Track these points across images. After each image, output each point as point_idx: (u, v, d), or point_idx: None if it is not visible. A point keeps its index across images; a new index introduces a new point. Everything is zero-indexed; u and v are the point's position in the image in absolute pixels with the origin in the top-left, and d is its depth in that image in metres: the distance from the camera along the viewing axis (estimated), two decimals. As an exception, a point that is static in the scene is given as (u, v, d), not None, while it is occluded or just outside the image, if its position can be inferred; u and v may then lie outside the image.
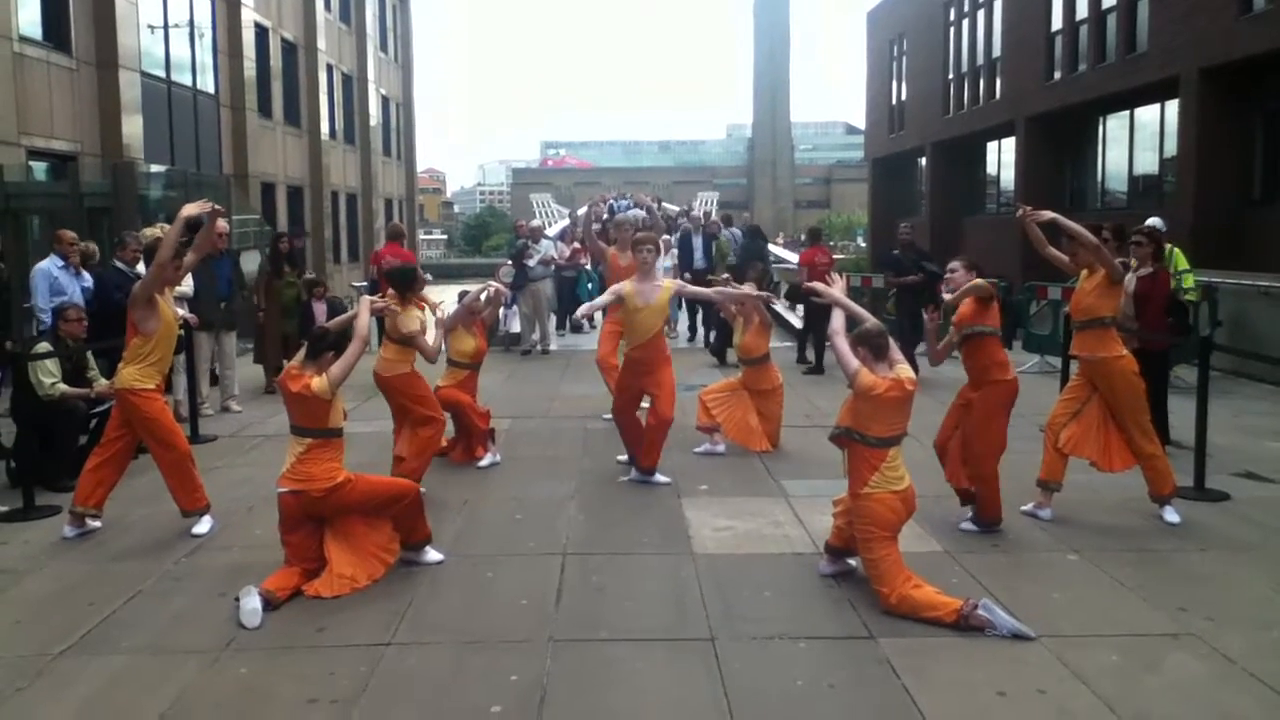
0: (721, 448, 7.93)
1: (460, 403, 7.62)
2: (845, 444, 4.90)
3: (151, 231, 8.64)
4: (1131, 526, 6.06)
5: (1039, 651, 4.32)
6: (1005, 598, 4.84)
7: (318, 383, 4.95)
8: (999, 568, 5.34)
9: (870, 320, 5.08)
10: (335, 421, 5.07)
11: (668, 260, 15.21)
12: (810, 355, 12.62)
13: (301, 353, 5.16)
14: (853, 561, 5.18)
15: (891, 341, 4.92)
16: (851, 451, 4.86)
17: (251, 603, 4.67)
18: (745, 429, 7.94)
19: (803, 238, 13.78)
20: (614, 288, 7.11)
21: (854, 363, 4.79)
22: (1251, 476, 7.16)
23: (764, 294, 8.25)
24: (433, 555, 5.42)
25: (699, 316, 15.10)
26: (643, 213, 20.51)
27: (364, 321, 5.52)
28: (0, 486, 7.02)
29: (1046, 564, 5.44)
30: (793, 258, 19.20)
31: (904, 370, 4.81)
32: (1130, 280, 7.55)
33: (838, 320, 5.14)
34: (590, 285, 16.96)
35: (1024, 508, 6.23)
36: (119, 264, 8.30)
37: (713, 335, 13.43)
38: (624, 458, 7.43)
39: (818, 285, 5.52)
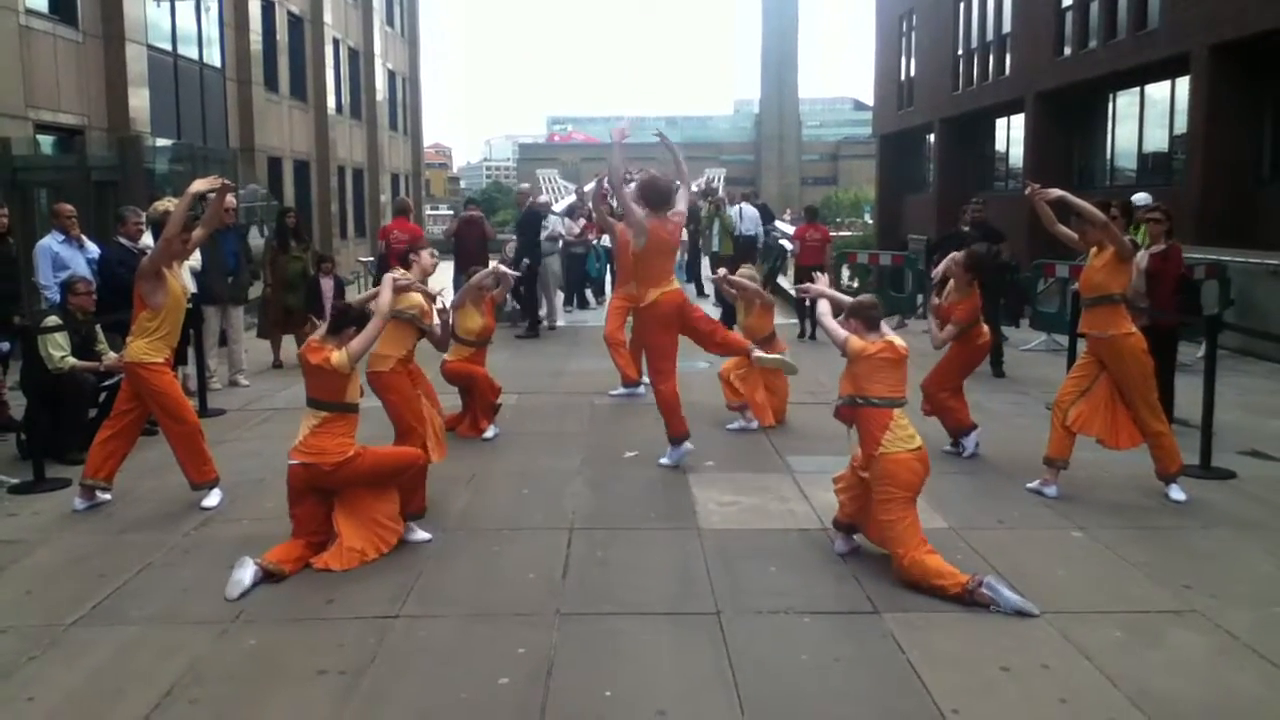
0: (755, 424, 7.93)
1: (474, 374, 7.62)
2: (850, 413, 4.97)
3: (161, 205, 8.64)
4: (1137, 504, 6.07)
5: (1043, 627, 4.34)
6: (1010, 574, 4.87)
7: (337, 357, 4.99)
8: (1004, 544, 5.36)
9: (863, 296, 5.27)
10: (352, 396, 5.11)
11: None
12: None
13: (324, 327, 5.20)
14: (857, 538, 5.21)
15: (882, 314, 5.09)
16: (859, 418, 4.92)
17: (239, 574, 4.70)
18: (753, 404, 7.96)
19: (787, 214, 14.09)
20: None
21: (842, 333, 4.98)
22: (1257, 455, 7.17)
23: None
24: (420, 534, 5.39)
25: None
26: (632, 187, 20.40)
27: (385, 299, 5.54)
28: (11, 459, 7.06)
29: (1051, 541, 5.46)
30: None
31: (895, 337, 4.95)
32: (1142, 257, 7.53)
33: (824, 305, 5.35)
34: (599, 264, 16.95)
35: (1030, 485, 6.25)
36: (121, 240, 8.30)
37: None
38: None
39: (807, 286, 5.76)
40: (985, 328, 7.23)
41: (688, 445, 6.86)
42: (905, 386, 4.95)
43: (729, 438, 7.71)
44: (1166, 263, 7.58)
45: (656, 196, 6.65)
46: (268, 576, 4.79)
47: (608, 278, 16.65)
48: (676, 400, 6.79)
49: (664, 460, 6.86)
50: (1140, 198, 10.78)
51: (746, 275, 8.41)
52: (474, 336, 7.75)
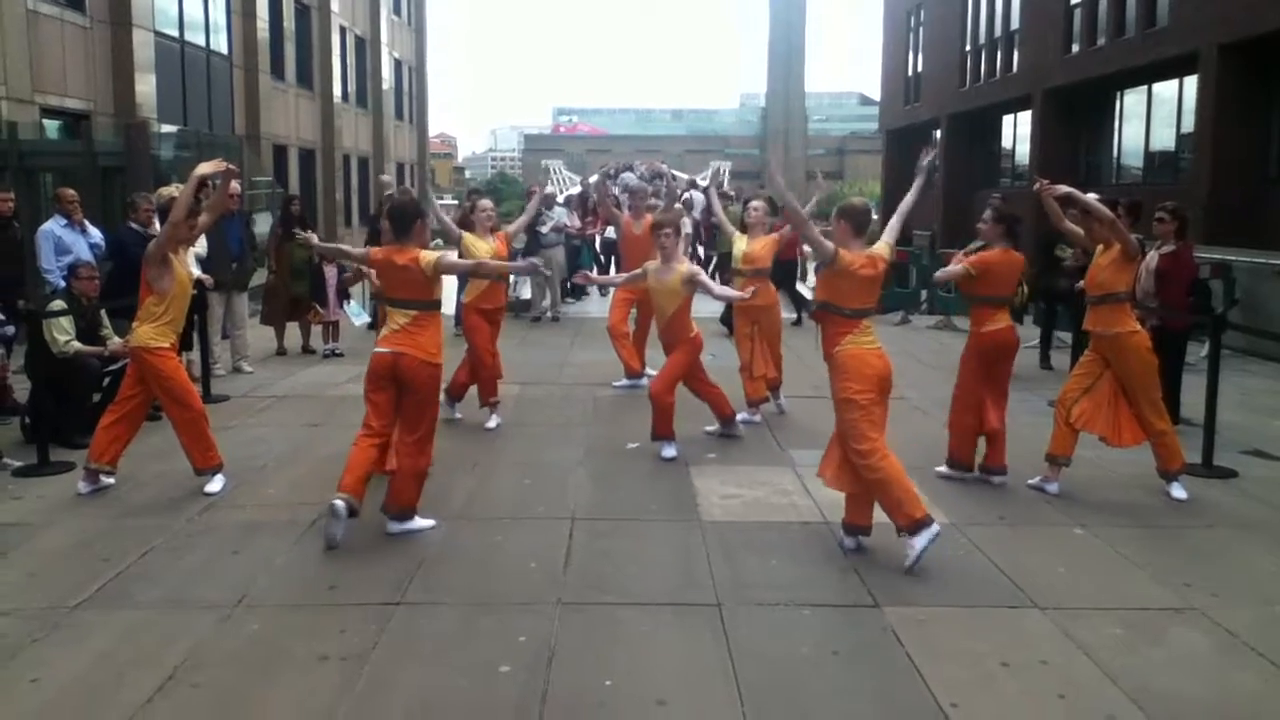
0: (759, 418, 7.94)
1: (481, 351, 7.53)
2: (823, 317, 5.14)
3: (168, 191, 8.64)
4: (1139, 502, 6.07)
5: (1043, 623, 4.35)
6: (1010, 570, 4.88)
7: (426, 256, 5.18)
8: (1005, 540, 5.36)
9: (855, 199, 5.36)
10: (436, 295, 5.29)
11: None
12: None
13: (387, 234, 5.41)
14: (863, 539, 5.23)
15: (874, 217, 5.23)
16: (827, 322, 5.10)
17: (331, 530, 5.03)
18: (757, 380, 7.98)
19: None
20: (644, 267, 7.06)
21: (829, 246, 5.04)
22: (1259, 455, 7.17)
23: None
24: (422, 522, 5.41)
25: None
26: (634, 177, 20.44)
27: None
28: (16, 442, 7.07)
29: (1052, 538, 5.46)
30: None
31: (878, 247, 5.12)
32: (1152, 257, 7.51)
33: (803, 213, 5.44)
34: (604, 258, 16.98)
35: (1031, 481, 6.25)
36: (133, 225, 8.31)
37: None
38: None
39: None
40: (997, 320, 6.21)
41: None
42: (877, 296, 5.15)
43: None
44: (1177, 263, 7.52)
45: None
46: (351, 513, 5.02)
47: (612, 269, 16.64)
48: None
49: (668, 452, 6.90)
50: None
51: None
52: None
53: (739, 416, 7.80)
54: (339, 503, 4.99)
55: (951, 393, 6.45)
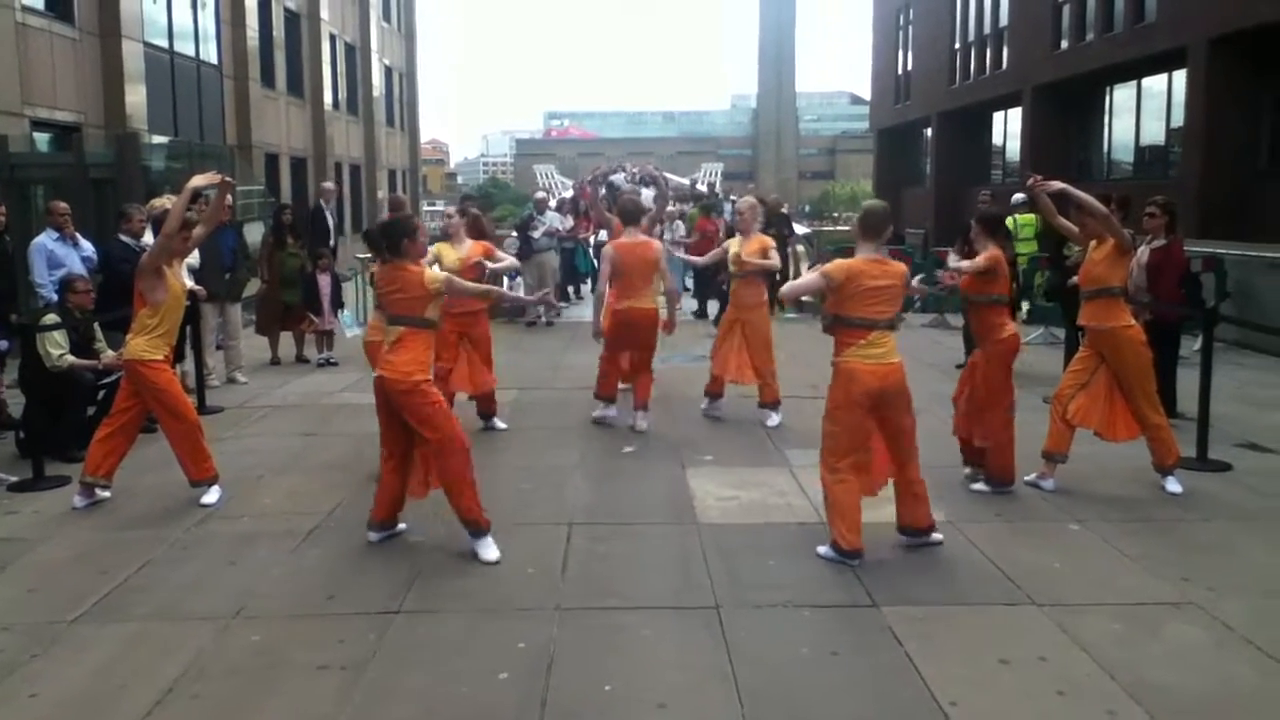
0: (778, 421, 7.92)
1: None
2: (834, 329, 5.13)
3: (160, 202, 8.63)
4: (1134, 497, 6.09)
5: (1041, 620, 4.36)
6: (1007, 567, 4.89)
7: (430, 275, 5.17)
8: (1001, 536, 5.37)
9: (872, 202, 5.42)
10: (429, 314, 5.16)
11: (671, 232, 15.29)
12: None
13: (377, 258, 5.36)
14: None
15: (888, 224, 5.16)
16: (836, 332, 5.08)
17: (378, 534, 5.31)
18: (727, 365, 8.01)
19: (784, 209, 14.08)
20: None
21: (812, 278, 5.19)
22: (1254, 447, 7.18)
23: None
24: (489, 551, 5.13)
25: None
26: (622, 179, 20.52)
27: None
28: (10, 457, 7.06)
29: (1049, 533, 5.47)
30: (801, 229, 19.30)
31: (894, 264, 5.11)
32: (1143, 252, 7.53)
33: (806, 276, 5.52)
34: (593, 262, 16.95)
35: (1027, 478, 6.25)
36: (124, 237, 8.30)
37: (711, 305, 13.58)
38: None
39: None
40: (1010, 323, 6.17)
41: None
42: (893, 307, 5.02)
43: (726, 432, 7.72)
44: (1168, 257, 7.54)
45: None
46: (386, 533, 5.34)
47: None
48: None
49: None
50: (1017, 198, 11.39)
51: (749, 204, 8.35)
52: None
53: (772, 422, 7.91)
54: (372, 535, 5.32)
55: (965, 399, 6.25)
